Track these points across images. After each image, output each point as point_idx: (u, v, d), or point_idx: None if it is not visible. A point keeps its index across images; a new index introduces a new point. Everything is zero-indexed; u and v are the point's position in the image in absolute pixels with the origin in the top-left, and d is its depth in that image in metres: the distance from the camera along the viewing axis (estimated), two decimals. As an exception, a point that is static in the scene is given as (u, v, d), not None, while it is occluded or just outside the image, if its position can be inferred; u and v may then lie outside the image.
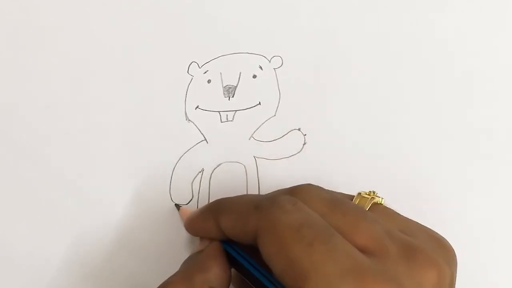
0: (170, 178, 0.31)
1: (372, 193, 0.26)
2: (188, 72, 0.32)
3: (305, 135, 0.32)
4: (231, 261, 0.26)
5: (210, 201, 0.31)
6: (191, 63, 0.32)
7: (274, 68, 0.32)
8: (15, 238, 0.30)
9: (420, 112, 0.32)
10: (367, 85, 0.32)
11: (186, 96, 0.32)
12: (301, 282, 0.21)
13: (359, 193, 0.26)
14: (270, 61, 0.32)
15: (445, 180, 0.32)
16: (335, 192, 0.26)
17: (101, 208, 0.30)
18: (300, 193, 0.24)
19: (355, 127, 0.32)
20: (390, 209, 0.26)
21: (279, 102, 0.32)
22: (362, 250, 0.22)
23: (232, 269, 0.26)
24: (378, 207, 0.26)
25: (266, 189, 0.31)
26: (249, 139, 0.32)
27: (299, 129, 0.32)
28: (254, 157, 0.31)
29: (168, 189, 0.31)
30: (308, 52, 0.32)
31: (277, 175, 0.31)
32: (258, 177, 0.31)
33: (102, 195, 0.31)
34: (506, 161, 0.32)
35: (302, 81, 0.32)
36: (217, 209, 0.26)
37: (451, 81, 0.32)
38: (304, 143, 0.32)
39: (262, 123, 0.32)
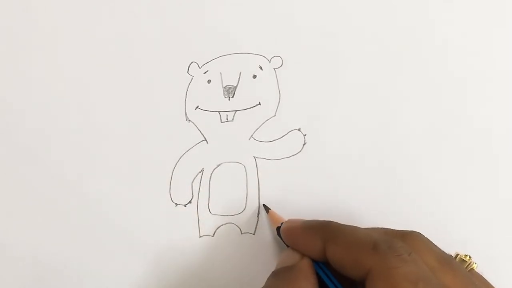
0: (170, 178, 0.31)
1: (469, 258, 0.28)
2: (188, 72, 0.32)
3: (305, 135, 0.32)
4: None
5: (210, 201, 0.31)
6: (191, 63, 0.32)
7: (274, 68, 0.32)
8: (15, 238, 0.30)
9: (420, 112, 0.32)
10: (366, 85, 0.32)
11: (186, 96, 0.32)
12: None
13: (458, 255, 0.28)
14: (270, 61, 0.32)
15: (445, 180, 0.32)
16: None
17: (101, 208, 0.30)
18: (412, 241, 0.25)
19: (355, 127, 0.32)
20: (483, 277, 0.27)
21: (279, 102, 0.32)
22: None
23: None
24: (474, 273, 0.27)
25: (266, 189, 0.31)
26: (249, 139, 0.32)
27: (299, 129, 0.32)
28: (254, 157, 0.31)
29: (168, 189, 0.31)
30: (308, 52, 0.32)
31: (277, 175, 0.31)
32: (258, 177, 0.31)
33: (102, 195, 0.31)
34: (506, 161, 0.32)
35: (302, 81, 0.32)
36: (328, 234, 0.26)
37: (451, 81, 0.32)
38: (304, 143, 0.32)
39: (262, 123, 0.32)
